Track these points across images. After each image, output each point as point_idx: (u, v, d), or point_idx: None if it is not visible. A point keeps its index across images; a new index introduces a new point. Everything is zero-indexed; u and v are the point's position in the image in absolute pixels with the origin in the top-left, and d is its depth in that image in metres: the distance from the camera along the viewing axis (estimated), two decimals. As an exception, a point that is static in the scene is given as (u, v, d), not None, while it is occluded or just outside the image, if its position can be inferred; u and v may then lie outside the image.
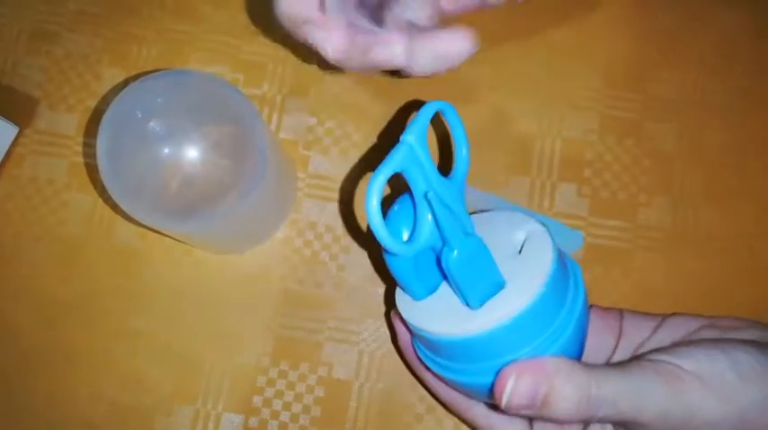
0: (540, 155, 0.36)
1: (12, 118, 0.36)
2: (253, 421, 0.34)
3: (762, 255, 0.35)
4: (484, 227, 0.27)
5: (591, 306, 0.32)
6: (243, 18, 0.38)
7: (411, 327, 0.27)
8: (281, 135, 0.37)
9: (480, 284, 0.25)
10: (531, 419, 0.28)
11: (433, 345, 0.26)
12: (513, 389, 0.24)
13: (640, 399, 0.24)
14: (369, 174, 0.36)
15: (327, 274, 0.35)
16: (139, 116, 0.27)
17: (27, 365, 0.35)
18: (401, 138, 0.23)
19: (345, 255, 0.36)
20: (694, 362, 0.25)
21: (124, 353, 0.35)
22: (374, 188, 0.22)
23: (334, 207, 0.36)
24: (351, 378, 0.34)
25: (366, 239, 0.36)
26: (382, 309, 0.35)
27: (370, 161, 0.37)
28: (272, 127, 0.37)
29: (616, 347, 0.29)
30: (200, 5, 0.38)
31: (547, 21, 0.38)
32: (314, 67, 0.37)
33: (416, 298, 0.27)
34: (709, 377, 0.24)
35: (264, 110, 0.37)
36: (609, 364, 0.27)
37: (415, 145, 0.23)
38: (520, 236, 0.27)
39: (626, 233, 0.36)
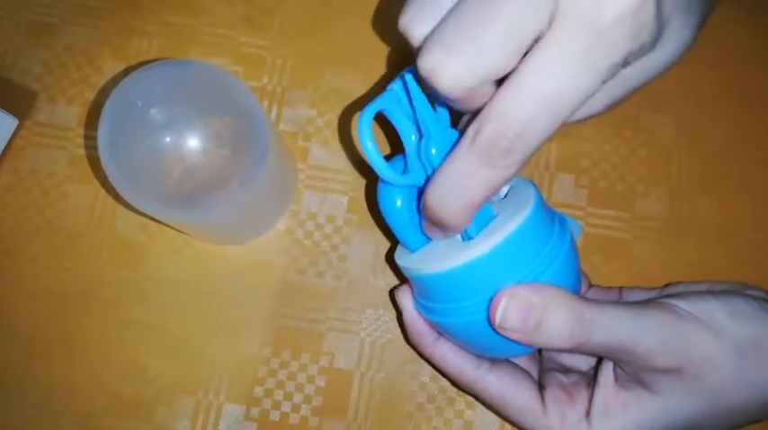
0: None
1: (11, 110, 0.36)
2: (254, 411, 0.34)
3: (758, 245, 0.36)
4: None
5: (591, 286, 0.32)
6: (243, 11, 0.38)
7: (410, 275, 0.28)
8: (281, 127, 0.37)
9: None
10: (542, 386, 0.28)
11: (433, 288, 0.27)
12: (507, 307, 0.24)
13: (638, 327, 0.24)
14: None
15: (328, 265, 0.36)
16: (140, 105, 0.28)
17: (27, 356, 0.35)
18: (387, 87, 0.25)
19: (346, 246, 0.36)
20: (689, 304, 0.25)
21: (125, 343, 0.35)
22: (364, 120, 0.24)
23: (334, 198, 0.36)
24: (352, 367, 0.34)
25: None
26: (383, 298, 0.35)
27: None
28: (273, 119, 0.37)
29: None
30: (200, -2, 0.38)
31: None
32: (313, 60, 0.38)
33: (413, 248, 0.28)
34: (704, 316, 0.25)
35: (264, 102, 0.37)
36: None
37: (400, 90, 0.25)
38: (504, 187, 0.28)
39: (624, 223, 0.36)
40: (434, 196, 0.23)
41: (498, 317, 0.24)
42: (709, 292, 0.27)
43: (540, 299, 0.24)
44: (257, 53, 0.38)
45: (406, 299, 0.30)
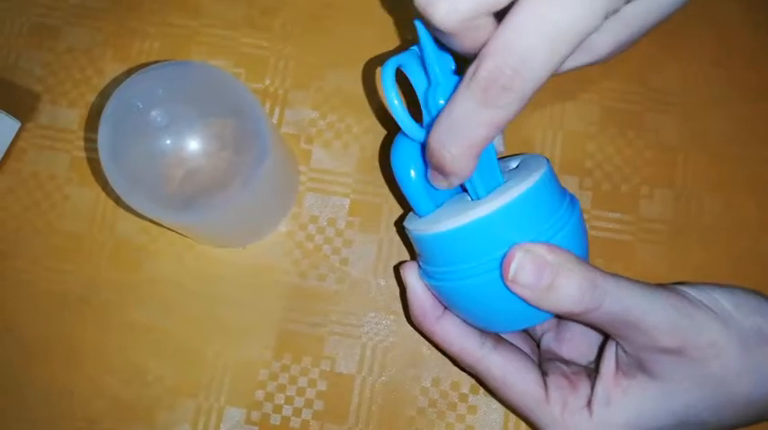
0: (542, 148, 0.36)
1: (13, 112, 0.36)
2: (255, 415, 0.34)
3: (765, 247, 0.35)
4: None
5: None
6: (245, 12, 0.38)
7: (418, 238, 0.27)
8: (284, 129, 0.37)
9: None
10: (544, 373, 0.28)
11: (441, 250, 0.27)
12: (522, 261, 0.24)
13: (648, 302, 0.24)
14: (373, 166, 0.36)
15: (330, 268, 0.35)
16: (141, 107, 0.27)
17: (28, 359, 0.35)
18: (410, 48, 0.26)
19: (347, 249, 0.35)
20: (698, 291, 0.25)
21: (125, 346, 0.35)
22: (387, 72, 0.24)
23: (336, 200, 0.36)
24: (353, 372, 0.34)
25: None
26: (385, 302, 0.35)
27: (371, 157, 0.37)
28: (275, 121, 0.37)
29: None
30: (202, 0, 0.38)
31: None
32: (315, 61, 0.37)
33: (423, 212, 0.28)
34: (712, 304, 0.25)
35: (266, 104, 0.37)
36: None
37: (421, 50, 0.25)
38: (515, 163, 0.29)
39: (628, 225, 0.36)
40: (436, 139, 0.23)
41: (512, 270, 0.24)
42: (715, 285, 0.26)
43: (555, 258, 0.24)
44: (259, 54, 0.38)
45: (410, 272, 0.29)
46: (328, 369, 0.34)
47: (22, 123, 0.36)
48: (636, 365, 0.25)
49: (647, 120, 0.37)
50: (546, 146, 0.36)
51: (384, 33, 0.38)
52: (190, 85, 0.28)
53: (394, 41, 0.37)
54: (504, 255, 0.24)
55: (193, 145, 0.29)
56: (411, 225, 0.28)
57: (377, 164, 0.36)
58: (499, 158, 0.30)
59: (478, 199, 0.26)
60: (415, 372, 0.34)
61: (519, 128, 0.37)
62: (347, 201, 0.36)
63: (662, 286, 0.26)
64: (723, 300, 0.25)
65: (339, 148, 0.37)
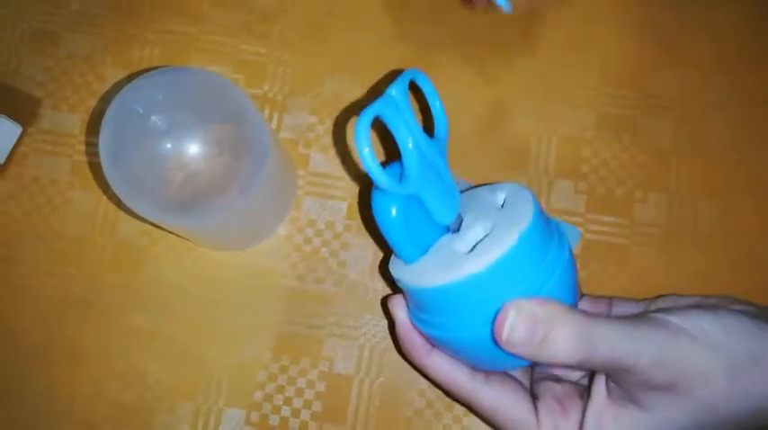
0: (537, 152, 0.37)
1: (15, 117, 0.36)
2: (254, 416, 0.34)
3: (761, 250, 0.36)
4: (466, 194, 0.29)
5: (582, 295, 0.32)
6: (244, 18, 0.38)
7: (405, 288, 0.27)
8: (282, 134, 0.37)
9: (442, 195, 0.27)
10: (534, 396, 0.29)
11: (429, 302, 0.27)
12: (515, 322, 0.24)
13: (636, 344, 0.24)
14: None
15: (328, 271, 0.36)
16: (141, 112, 0.28)
17: (28, 362, 0.35)
18: (385, 92, 0.25)
19: (345, 252, 0.36)
20: (682, 319, 0.25)
21: (125, 349, 0.35)
22: (362, 126, 0.23)
23: (334, 204, 0.36)
24: (351, 373, 0.35)
25: (373, 231, 0.36)
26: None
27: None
28: (273, 126, 0.37)
29: None
30: (202, 6, 0.39)
31: (544, 19, 0.38)
32: (313, 67, 0.38)
33: (408, 260, 0.28)
34: (697, 331, 0.25)
35: (265, 109, 0.37)
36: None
37: (397, 96, 0.25)
38: (501, 195, 0.29)
39: (623, 229, 0.36)
40: None
41: (505, 333, 0.24)
42: (700, 307, 0.26)
43: (547, 312, 0.24)
44: (258, 61, 0.38)
45: (399, 309, 0.30)
46: (327, 370, 0.35)
47: (24, 128, 0.37)
48: (626, 397, 0.26)
49: (643, 124, 0.37)
50: (541, 150, 0.37)
51: (381, 40, 0.38)
52: (189, 91, 0.29)
53: (391, 49, 0.38)
54: (496, 312, 0.25)
55: (193, 149, 0.29)
56: (398, 274, 0.28)
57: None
58: (482, 185, 0.30)
59: (451, 230, 0.27)
60: (413, 374, 0.34)
61: (516, 133, 0.37)
62: (345, 205, 0.36)
63: (644, 317, 0.26)
64: (709, 326, 0.25)
65: (337, 153, 0.37)
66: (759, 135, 0.37)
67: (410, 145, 0.25)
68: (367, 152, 0.23)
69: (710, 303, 0.28)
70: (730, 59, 0.38)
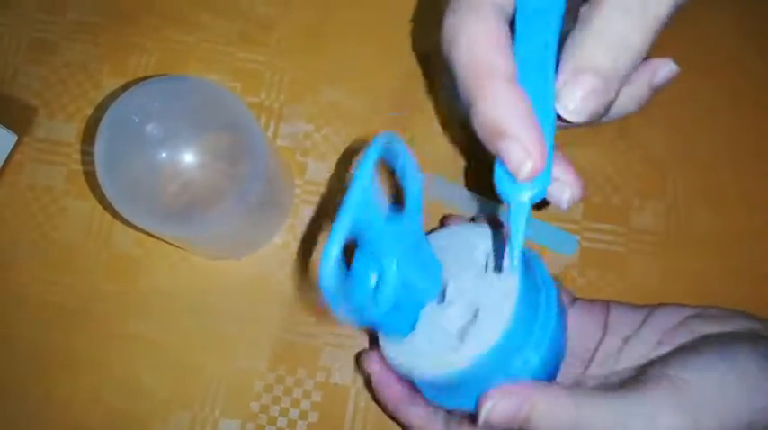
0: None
1: (11, 126, 0.36)
2: (250, 426, 0.34)
3: (756, 256, 0.36)
4: (444, 248, 0.28)
5: (575, 299, 0.32)
6: (241, 27, 0.39)
7: (400, 371, 0.27)
8: (279, 142, 0.37)
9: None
10: None
11: (421, 383, 0.28)
12: (493, 408, 0.24)
13: (628, 418, 0.23)
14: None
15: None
16: (137, 120, 0.28)
17: (23, 371, 0.35)
18: (339, 214, 0.22)
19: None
20: (697, 373, 0.24)
21: (121, 358, 0.35)
22: (327, 266, 0.21)
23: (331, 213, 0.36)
24: (348, 383, 0.34)
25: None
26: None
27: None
28: (270, 134, 0.37)
29: (602, 340, 0.29)
30: (199, 15, 0.39)
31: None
32: (309, 76, 0.38)
33: (399, 338, 0.27)
34: (714, 387, 0.24)
35: (262, 118, 0.37)
36: (605, 386, 0.27)
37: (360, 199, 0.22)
38: (481, 253, 0.27)
39: (620, 237, 0.36)
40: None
41: (483, 417, 0.24)
42: (717, 354, 0.25)
43: (528, 398, 0.24)
44: (255, 69, 0.38)
45: (374, 365, 0.30)
46: (323, 380, 0.34)
47: (19, 137, 0.37)
48: None
49: (638, 132, 0.37)
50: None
51: (378, 49, 0.38)
52: (185, 100, 0.29)
53: (388, 57, 0.38)
54: (483, 389, 0.25)
55: (189, 158, 0.29)
56: (392, 354, 0.27)
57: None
58: (457, 226, 0.29)
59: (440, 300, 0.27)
60: (410, 383, 0.34)
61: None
62: (342, 214, 0.36)
63: (665, 378, 0.25)
64: (732, 382, 0.24)
65: (334, 161, 0.37)
66: (750, 140, 0.37)
67: (393, 273, 0.24)
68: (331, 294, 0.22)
69: (711, 315, 0.27)
70: (719, 64, 0.38)
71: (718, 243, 0.36)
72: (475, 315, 0.25)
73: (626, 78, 0.22)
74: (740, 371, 0.24)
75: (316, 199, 0.36)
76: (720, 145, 0.37)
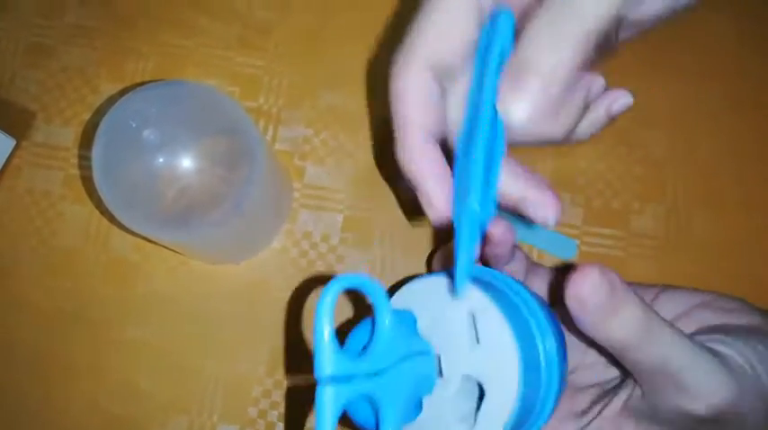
0: (533, 164, 0.37)
1: (8, 130, 0.36)
2: (248, 432, 0.34)
3: (756, 260, 0.36)
4: (422, 310, 0.25)
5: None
6: (239, 31, 0.38)
7: None
8: (278, 146, 0.37)
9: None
10: None
11: None
12: (598, 283, 0.22)
13: (692, 356, 0.23)
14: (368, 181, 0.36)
15: (323, 284, 0.35)
16: (134, 126, 0.28)
17: (21, 375, 0.34)
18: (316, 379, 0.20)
19: (341, 265, 0.36)
20: (732, 351, 0.24)
21: (118, 363, 0.35)
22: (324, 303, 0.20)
23: (329, 216, 0.36)
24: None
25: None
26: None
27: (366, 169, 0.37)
28: (269, 138, 0.37)
29: None
30: (197, 19, 0.39)
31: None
32: (308, 80, 0.38)
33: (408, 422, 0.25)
34: (747, 366, 0.23)
35: (260, 122, 0.37)
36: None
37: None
38: (464, 311, 0.24)
39: (620, 241, 0.36)
40: None
41: (587, 289, 0.22)
42: (735, 333, 0.25)
43: (625, 289, 0.23)
44: (253, 73, 0.38)
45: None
46: (322, 385, 0.34)
47: (17, 141, 0.37)
48: (647, 415, 0.24)
49: (637, 136, 0.37)
50: (537, 162, 0.37)
51: (376, 52, 0.38)
52: (183, 105, 0.29)
53: (386, 60, 0.38)
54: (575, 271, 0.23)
55: (187, 163, 0.29)
56: None
57: (370, 180, 0.37)
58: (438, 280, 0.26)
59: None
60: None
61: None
62: (340, 217, 0.36)
63: (696, 342, 0.24)
64: (753, 359, 0.23)
65: (332, 165, 0.37)
66: (750, 144, 0.37)
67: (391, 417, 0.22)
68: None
69: (719, 306, 0.27)
70: (719, 68, 0.38)
71: (718, 247, 0.36)
72: (477, 387, 0.24)
73: (568, 84, 0.23)
74: (757, 353, 0.24)
75: (314, 203, 0.36)
76: (720, 149, 0.37)
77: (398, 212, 0.36)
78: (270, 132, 0.37)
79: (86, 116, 0.37)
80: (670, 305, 0.28)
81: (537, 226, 0.35)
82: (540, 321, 0.25)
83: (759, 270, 0.35)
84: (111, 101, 0.37)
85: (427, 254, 0.36)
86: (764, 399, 0.23)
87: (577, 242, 0.36)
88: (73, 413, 0.34)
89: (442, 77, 0.25)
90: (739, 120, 0.37)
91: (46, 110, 0.38)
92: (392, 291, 0.28)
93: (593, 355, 0.29)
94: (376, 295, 0.22)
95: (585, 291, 0.22)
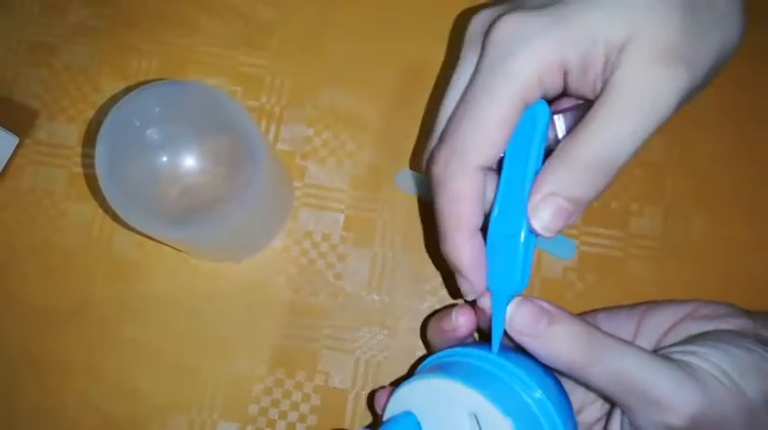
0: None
1: (11, 128, 0.36)
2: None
3: (754, 263, 0.36)
4: (425, 412, 0.26)
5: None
6: (242, 30, 0.39)
7: None
8: (279, 146, 0.37)
9: None
10: None
11: None
12: (520, 307, 0.25)
13: (653, 369, 0.23)
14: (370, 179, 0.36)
15: (324, 283, 0.36)
16: (137, 125, 0.28)
17: (19, 375, 0.35)
18: None
19: (342, 264, 0.36)
20: (699, 360, 0.24)
21: (118, 362, 0.35)
22: None
23: (331, 216, 0.36)
24: (347, 386, 0.34)
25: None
26: (378, 317, 0.35)
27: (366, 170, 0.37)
28: (271, 138, 0.37)
29: None
30: (200, 18, 0.39)
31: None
32: (310, 79, 0.38)
33: None
34: (717, 374, 0.24)
35: (263, 121, 0.38)
36: None
37: None
38: (465, 412, 0.25)
39: (618, 242, 0.36)
40: None
41: (510, 312, 0.25)
42: (716, 347, 0.25)
43: (555, 309, 0.25)
44: (256, 73, 0.38)
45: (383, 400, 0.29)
46: (322, 383, 0.34)
47: (20, 139, 0.37)
48: None
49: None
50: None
51: (379, 52, 0.38)
52: (186, 104, 0.29)
53: (388, 60, 0.38)
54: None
55: (189, 162, 0.29)
56: None
57: (371, 180, 0.37)
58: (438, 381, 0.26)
59: None
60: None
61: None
62: (342, 217, 0.36)
63: (663, 356, 0.24)
64: (726, 367, 0.24)
65: (334, 165, 0.37)
66: (745, 149, 0.37)
67: None
68: None
69: (705, 314, 0.27)
70: (722, 75, 0.38)
71: (716, 248, 0.36)
72: None
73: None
74: (733, 358, 0.24)
75: (316, 202, 0.37)
76: (717, 152, 0.37)
77: (399, 212, 0.36)
78: (272, 132, 0.37)
79: (89, 114, 0.38)
80: (656, 322, 0.29)
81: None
82: (541, 403, 0.25)
83: (756, 271, 0.36)
84: (115, 99, 0.38)
85: (427, 254, 0.36)
86: (742, 407, 0.23)
87: (576, 242, 0.36)
88: (71, 412, 0.34)
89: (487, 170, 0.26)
90: (735, 125, 0.38)
91: (49, 108, 0.38)
92: (394, 383, 0.28)
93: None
94: None
95: (516, 319, 0.25)
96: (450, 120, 0.26)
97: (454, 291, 0.35)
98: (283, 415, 0.34)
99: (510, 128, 0.25)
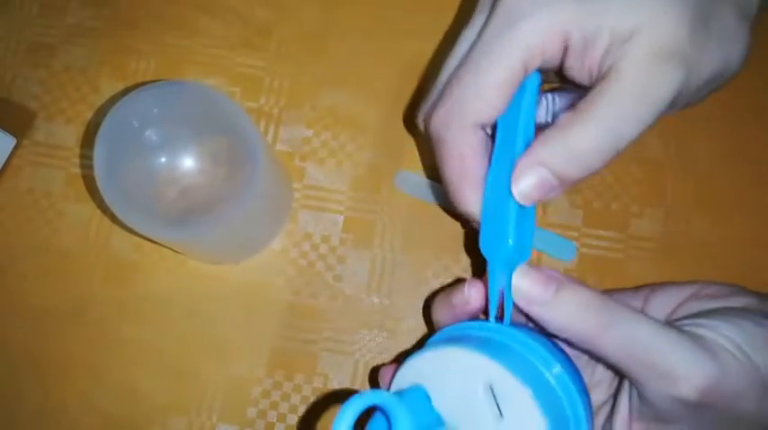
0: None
1: (9, 129, 0.36)
2: (247, 432, 0.34)
3: (754, 264, 0.36)
4: (437, 384, 0.25)
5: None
6: (240, 32, 0.39)
7: None
8: (278, 147, 0.37)
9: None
10: None
11: None
12: (529, 272, 0.25)
13: (664, 339, 0.23)
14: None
15: (323, 285, 0.36)
16: (136, 125, 0.28)
17: (19, 376, 0.34)
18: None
19: (341, 266, 0.36)
20: (715, 334, 0.23)
21: (117, 363, 0.35)
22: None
23: (330, 217, 0.36)
24: (346, 388, 0.34)
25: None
26: (378, 319, 0.35)
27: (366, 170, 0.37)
28: (269, 139, 0.37)
29: None
30: (198, 19, 0.39)
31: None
32: (309, 80, 0.38)
33: None
34: (730, 348, 0.23)
35: (261, 122, 0.37)
36: None
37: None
38: (481, 383, 0.24)
39: (619, 243, 0.36)
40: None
41: (517, 277, 0.24)
42: (727, 321, 0.24)
43: (565, 277, 0.25)
44: (255, 74, 0.38)
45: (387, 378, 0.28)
46: (321, 385, 0.34)
47: (18, 140, 0.37)
48: (650, 415, 0.24)
49: (638, 139, 0.37)
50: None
51: (378, 53, 0.38)
52: (185, 105, 0.29)
53: (388, 61, 0.38)
54: None
55: (188, 163, 0.29)
56: None
57: (370, 181, 0.37)
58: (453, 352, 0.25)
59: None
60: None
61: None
62: (341, 218, 0.36)
63: (672, 325, 0.24)
64: (739, 340, 0.23)
65: (333, 166, 0.37)
66: (745, 149, 0.37)
67: None
68: None
69: (710, 293, 0.27)
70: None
71: (716, 249, 0.36)
72: None
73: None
74: (744, 332, 0.24)
75: (315, 203, 0.36)
76: (717, 154, 0.37)
77: (399, 214, 0.36)
78: (271, 133, 0.37)
79: (88, 115, 0.38)
80: (662, 302, 0.28)
81: (537, 228, 0.36)
82: (560, 377, 0.24)
83: (756, 272, 0.36)
84: (113, 100, 0.37)
85: (427, 254, 0.36)
86: (756, 381, 0.23)
87: (577, 244, 0.36)
88: (71, 413, 0.34)
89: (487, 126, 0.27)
90: (735, 126, 0.37)
91: (47, 109, 0.38)
92: (400, 357, 0.28)
93: (600, 372, 0.29)
94: (396, 416, 0.23)
95: (524, 286, 0.25)
96: (451, 77, 0.27)
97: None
98: (282, 417, 0.34)
99: (509, 91, 0.25)
